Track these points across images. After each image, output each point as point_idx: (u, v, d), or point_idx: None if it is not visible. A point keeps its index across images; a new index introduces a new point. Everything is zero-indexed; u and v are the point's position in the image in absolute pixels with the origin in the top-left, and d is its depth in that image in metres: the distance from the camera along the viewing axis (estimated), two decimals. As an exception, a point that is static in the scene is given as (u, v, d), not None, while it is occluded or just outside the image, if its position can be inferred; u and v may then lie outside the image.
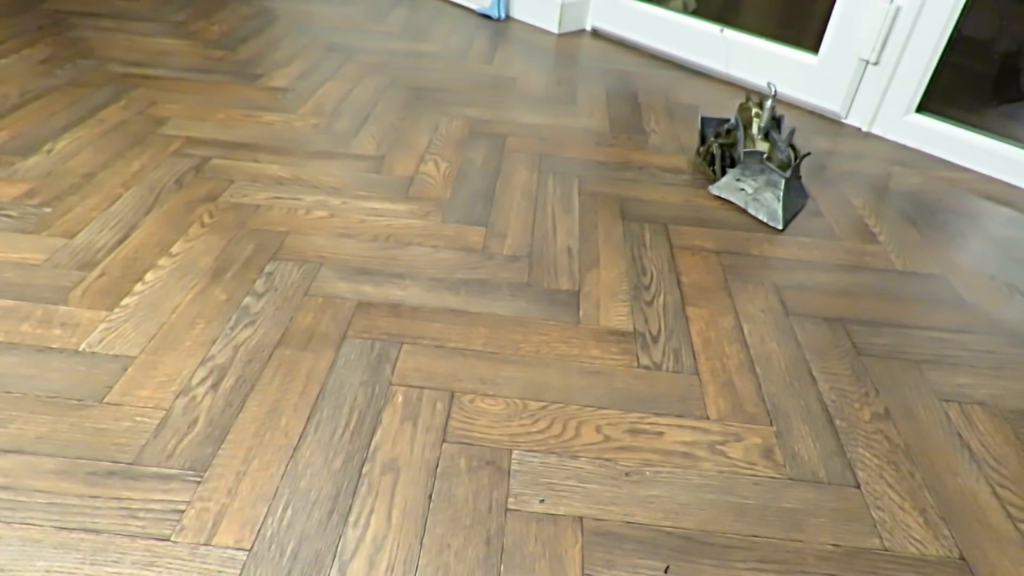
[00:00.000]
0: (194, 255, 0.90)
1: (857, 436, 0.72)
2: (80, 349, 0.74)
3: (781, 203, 1.07)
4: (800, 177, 1.14)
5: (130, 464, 0.62)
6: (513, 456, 0.66)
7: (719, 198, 1.13)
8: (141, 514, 0.58)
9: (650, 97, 1.54)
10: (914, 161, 1.34)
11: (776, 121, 1.15)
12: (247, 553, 0.56)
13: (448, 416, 0.70)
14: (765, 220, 1.08)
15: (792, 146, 1.11)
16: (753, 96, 1.20)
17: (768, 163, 1.07)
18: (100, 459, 0.62)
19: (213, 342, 0.77)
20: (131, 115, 1.25)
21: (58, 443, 0.64)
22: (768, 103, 1.11)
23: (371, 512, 0.60)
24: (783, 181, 1.06)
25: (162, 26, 1.72)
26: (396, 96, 1.44)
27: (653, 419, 0.72)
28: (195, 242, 0.93)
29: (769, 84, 1.10)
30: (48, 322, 0.77)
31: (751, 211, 1.10)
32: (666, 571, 0.57)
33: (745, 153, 1.10)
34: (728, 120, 1.21)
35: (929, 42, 1.30)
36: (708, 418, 0.73)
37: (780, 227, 1.06)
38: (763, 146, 1.12)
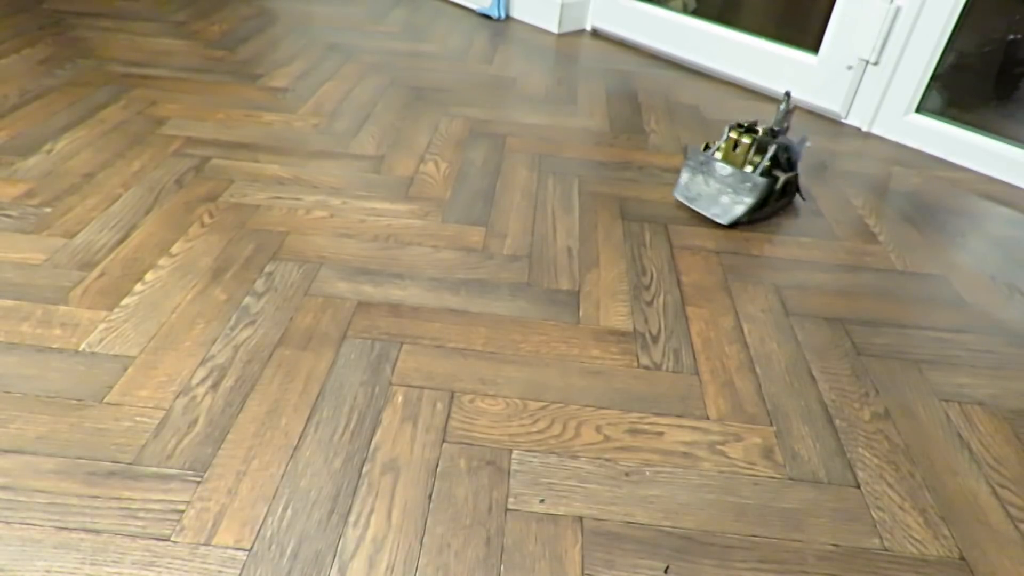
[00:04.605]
0: (194, 255, 0.90)
1: (857, 436, 0.72)
2: (80, 349, 0.74)
3: (747, 208, 1.05)
4: (793, 182, 1.12)
5: (130, 464, 0.62)
6: (513, 456, 0.66)
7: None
8: (141, 514, 0.58)
9: (650, 97, 1.54)
10: (914, 161, 1.34)
11: (774, 132, 1.13)
12: (247, 553, 0.56)
13: (448, 416, 0.70)
14: (713, 216, 1.07)
15: (785, 154, 1.09)
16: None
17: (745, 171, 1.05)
18: (100, 459, 0.62)
19: (213, 342, 0.77)
20: (131, 115, 1.25)
21: (58, 443, 0.64)
22: (782, 106, 1.09)
23: (371, 512, 0.60)
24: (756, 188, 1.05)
25: (162, 26, 1.72)
26: (396, 96, 1.44)
27: (653, 419, 0.72)
28: (195, 242, 0.93)
29: (787, 93, 1.09)
30: (48, 322, 0.77)
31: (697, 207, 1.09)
32: (666, 571, 0.57)
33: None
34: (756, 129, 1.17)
35: (929, 42, 1.30)
36: (708, 418, 0.73)
37: (725, 223, 1.06)
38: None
